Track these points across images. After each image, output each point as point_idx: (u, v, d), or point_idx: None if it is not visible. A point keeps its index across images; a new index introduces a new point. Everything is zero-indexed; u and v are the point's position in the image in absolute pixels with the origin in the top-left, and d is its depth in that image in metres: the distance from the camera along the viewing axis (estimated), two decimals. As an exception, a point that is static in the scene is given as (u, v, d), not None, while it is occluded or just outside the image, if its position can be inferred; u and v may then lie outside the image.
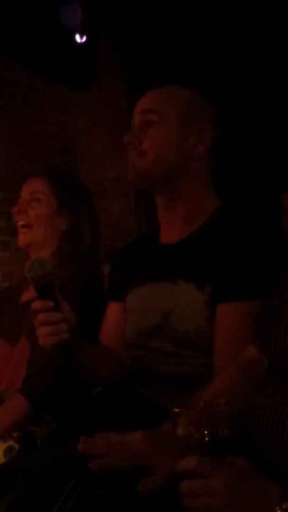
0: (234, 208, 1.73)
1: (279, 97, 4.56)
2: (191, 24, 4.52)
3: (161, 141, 1.68)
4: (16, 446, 1.69)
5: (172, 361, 1.60)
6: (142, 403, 1.63)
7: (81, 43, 4.81)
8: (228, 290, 1.54)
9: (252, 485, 1.03)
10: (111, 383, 1.76)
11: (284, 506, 0.99)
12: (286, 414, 1.13)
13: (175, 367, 1.60)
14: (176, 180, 1.69)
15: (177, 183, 1.69)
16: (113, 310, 1.84)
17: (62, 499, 1.18)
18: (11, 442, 1.70)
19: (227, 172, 2.23)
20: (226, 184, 1.92)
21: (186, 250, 1.67)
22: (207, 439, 1.07)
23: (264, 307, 1.40)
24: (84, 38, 4.80)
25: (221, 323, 1.54)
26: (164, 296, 1.64)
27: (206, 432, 1.07)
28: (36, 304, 1.52)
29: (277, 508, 0.99)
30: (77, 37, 4.80)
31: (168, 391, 1.60)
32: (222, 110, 1.81)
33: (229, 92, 4.36)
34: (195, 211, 1.70)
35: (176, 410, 1.13)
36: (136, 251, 1.88)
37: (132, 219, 5.26)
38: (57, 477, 1.21)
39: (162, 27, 4.60)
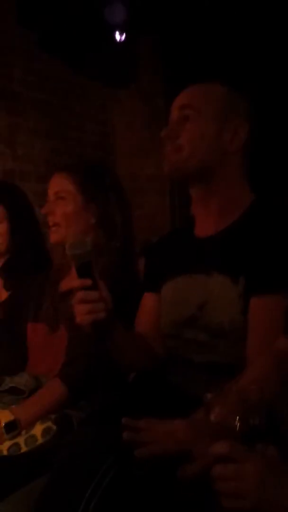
0: (269, 203, 1.74)
1: None
2: (229, 23, 4.54)
3: (197, 136, 1.69)
4: (54, 427, 1.73)
5: (205, 350, 1.63)
6: (175, 390, 1.66)
7: (120, 41, 4.88)
8: (262, 283, 1.56)
9: (283, 472, 1.06)
10: (144, 370, 1.79)
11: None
12: None
13: (208, 356, 1.62)
14: (211, 174, 1.71)
15: (212, 177, 1.71)
16: (148, 300, 1.86)
17: (99, 477, 1.23)
18: (49, 423, 1.74)
19: (262, 167, 2.24)
20: (261, 179, 1.94)
21: (221, 243, 1.69)
22: (238, 426, 1.10)
23: None
24: (124, 36, 4.87)
25: (255, 316, 1.56)
26: (199, 287, 1.67)
27: (237, 419, 1.10)
28: (75, 282, 1.54)
29: None
30: (117, 35, 4.87)
31: (201, 380, 1.61)
32: (258, 107, 1.82)
33: (266, 89, 4.38)
34: (229, 205, 1.72)
35: (210, 396, 1.16)
36: (171, 243, 1.90)
37: (166, 215, 5.31)
38: (95, 456, 1.25)
39: (200, 26, 4.63)
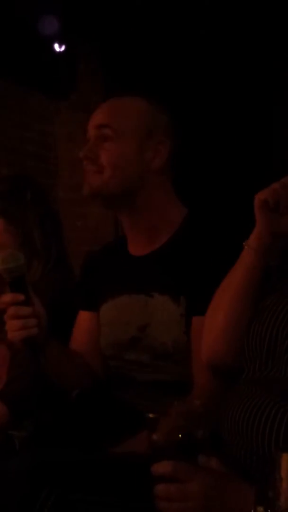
0: (201, 217, 1.72)
1: (240, 104, 4.63)
2: (156, 34, 4.57)
3: (118, 156, 1.68)
4: None
5: (149, 370, 1.62)
6: (119, 407, 1.65)
7: (60, 51, 4.85)
8: (202, 302, 1.54)
9: (227, 489, 1.07)
10: (82, 388, 1.77)
11: (258, 509, 1.00)
12: (256, 412, 1.17)
13: (153, 375, 1.62)
14: (134, 194, 1.69)
15: (135, 197, 1.69)
16: (84, 319, 1.83)
17: (38, 507, 1.21)
18: None
19: (192, 181, 2.23)
20: (192, 193, 1.93)
21: (158, 262, 1.68)
22: (180, 442, 1.10)
23: None
24: (63, 47, 4.84)
25: (198, 336, 1.54)
26: (140, 308, 1.65)
27: (180, 435, 1.10)
28: (7, 297, 1.53)
29: (252, 511, 1.01)
30: (56, 46, 4.84)
31: (146, 396, 1.61)
32: (179, 121, 1.79)
33: (189, 102, 4.41)
34: (160, 223, 1.71)
35: (150, 415, 1.15)
36: (104, 261, 1.87)
37: (110, 225, 5.29)
38: (32, 485, 1.23)
39: (134, 37, 4.65)
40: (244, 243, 1.37)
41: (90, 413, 1.69)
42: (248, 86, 4.60)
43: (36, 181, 2.24)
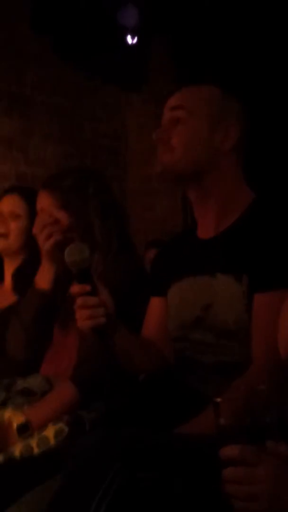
0: (268, 201, 1.75)
1: None
2: (229, 26, 4.57)
3: (189, 137, 1.70)
4: (66, 428, 1.74)
5: (214, 351, 1.64)
6: (185, 390, 1.68)
7: (132, 44, 4.90)
8: (264, 279, 1.57)
9: None
10: (152, 372, 1.81)
11: None
12: None
13: (217, 357, 1.64)
14: (204, 175, 1.71)
15: (205, 178, 1.71)
16: (155, 305, 1.88)
17: (108, 483, 1.25)
18: (61, 425, 1.76)
19: (261, 167, 2.23)
20: (260, 178, 1.94)
21: (223, 244, 1.70)
22: (248, 427, 1.10)
23: None
24: (136, 39, 4.89)
25: (258, 312, 1.57)
26: (204, 289, 1.68)
27: (247, 420, 1.10)
28: (75, 288, 1.58)
29: None
30: (129, 38, 4.90)
31: (211, 380, 1.63)
32: (250, 107, 1.81)
33: (258, 89, 4.40)
34: (228, 205, 1.73)
35: (218, 400, 1.14)
36: (175, 247, 1.91)
37: (178, 216, 5.33)
38: (103, 461, 1.26)
39: (207, 31, 4.66)
40: None
41: (156, 396, 1.73)
42: None
43: (99, 174, 2.26)
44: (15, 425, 1.77)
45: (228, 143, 1.70)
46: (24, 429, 1.77)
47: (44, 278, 2.09)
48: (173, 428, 1.49)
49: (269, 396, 1.15)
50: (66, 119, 4.86)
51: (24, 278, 2.30)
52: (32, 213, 2.21)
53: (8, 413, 1.81)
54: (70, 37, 4.51)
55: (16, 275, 2.36)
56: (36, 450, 1.73)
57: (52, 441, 1.74)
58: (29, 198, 2.30)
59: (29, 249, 2.29)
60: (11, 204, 2.36)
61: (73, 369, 1.92)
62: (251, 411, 1.11)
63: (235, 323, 1.60)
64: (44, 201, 2.10)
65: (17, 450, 1.73)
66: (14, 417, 1.79)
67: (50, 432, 1.76)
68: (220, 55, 4.59)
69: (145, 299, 1.89)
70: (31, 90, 4.76)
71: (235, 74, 4.17)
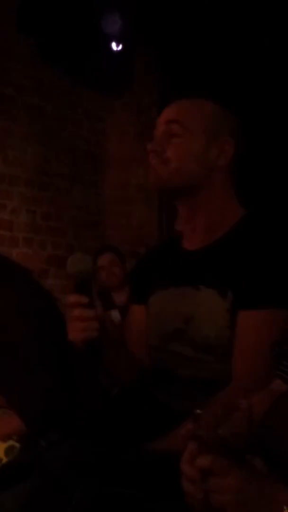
0: (258, 218, 1.75)
1: None
2: (222, 39, 4.60)
3: (184, 151, 1.70)
4: (17, 445, 1.70)
5: (191, 364, 1.63)
6: (158, 406, 1.67)
7: (117, 50, 4.90)
8: (249, 297, 1.56)
9: (263, 487, 1.08)
10: (131, 384, 1.79)
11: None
12: None
13: (194, 371, 1.62)
14: (197, 190, 1.71)
15: (198, 192, 1.71)
16: (135, 313, 1.86)
17: (76, 499, 1.23)
18: (11, 442, 1.71)
19: (253, 184, 2.24)
20: (252, 196, 1.95)
21: (209, 256, 1.70)
22: (227, 440, 1.12)
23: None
24: (121, 46, 4.90)
25: (241, 330, 1.57)
26: (186, 300, 1.67)
27: (225, 433, 1.12)
28: (72, 298, 1.54)
29: (285, 510, 1.04)
30: (114, 45, 4.90)
31: (188, 395, 1.61)
32: (245, 124, 1.82)
33: (255, 105, 4.44)
34: (216, 220, 1.73)
35: (198, 411, 1.15)
36: (158, 256, 1.90)
37: (153, 226, 5.33)
38: (71, 476, 1.24)
39: (194, 41, 4.68)
40: None
41: (129, 410, 1.71)
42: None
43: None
44: None
45: (223, 159, 1.71)
46: None
47: None
48: (144, 443, 1.48)
49: (250, 411, 1.15)
50: (48, 122, 4.85)
51: None
52: None
53: None
54: (55, 40, 4.51)
55: None
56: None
57: (4, 459, 1.69)
58: None
59: None
60: None
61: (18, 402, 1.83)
62: (230, 425, 1.12)
63: (216, 338, 1.59)
64: None
65: None
66: None
67: (0, 450, 1.71)
68: (211, 68, 4.61)
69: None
70: (12, 90, 4.74)
71: (228, 88, 4.19)
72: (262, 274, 1.58)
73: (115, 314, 4.28)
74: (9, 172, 4.67)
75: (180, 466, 1.13)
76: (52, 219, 4.89)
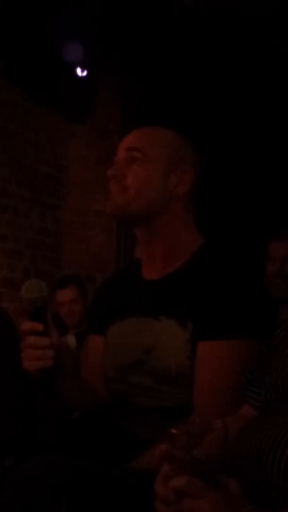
0: (217, 248, 1.75)
1: (266, 142, 4.71)
2: (185, 69, 4.67)
3: (144, 179, 1.70)
4: None
5: (151, 395, 1.61)
6: (119, 431, 1.64)
7: (82, 76, 4.94)
8: (209, 328, 1.56)
9: (236, 510, 1.08)
10: (87, 411, 1.75)
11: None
12: (278, 444, 1.17)
13: (155, 401, 1.60)
14: (154, 217, 1.71)
15: (155, 220, 1.71)
16: (92, 343, 1.82)
17: None
18: None
19: (212, 213, 2.26)
20: (211, 225, 1.96)
21: (168, 287, 1.68)
22: (200, 461, 1.10)
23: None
24: (85, 72, 4.93)
25: (202, 362, 1.56)
26: (146, 331, 1.65)
27: (200, 453, 1.11)
28: (26, 326, 1.51)
29: None
30: (78, 71, 4.93)
31: (149, 423, 1.60)
32: (204, 153, 1.84)
33: (216, 135, 4.50)
34: (175, 249, 1.72)
35: (174, 431, 1.13)
36: (118, 284, 1.87)
37: (111, 252, 5.33)
38: (49, 493, 1.22)
39: (159, 70, 4.74)
40: None
41: (89, 436, 1.68)
42: (269, 121, 4.69)
43: None
44: None
45: (182, 188, 1.71)
46: None
47: None
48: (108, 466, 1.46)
49: (226, 431, 1.15)
50: (10, 143, 4.82)
51: None
52: None
53: None
54: (20, 64, 4.53)
55: None
56: None
57: None
58: None
59: None
60: None
61: None
62: (205, 446, 1.11)
63: (177, 369, 1.57)
64: None
65: None
66: None
67: None
68: (174, 97, 4.66)
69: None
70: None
71: (190, 117, 4.24)
72: (221, 305, 1.58)
73: (71, 339, 4.21)
74: None
75: (154, 486, 1.12)
76: (8, 241, 4.84)
